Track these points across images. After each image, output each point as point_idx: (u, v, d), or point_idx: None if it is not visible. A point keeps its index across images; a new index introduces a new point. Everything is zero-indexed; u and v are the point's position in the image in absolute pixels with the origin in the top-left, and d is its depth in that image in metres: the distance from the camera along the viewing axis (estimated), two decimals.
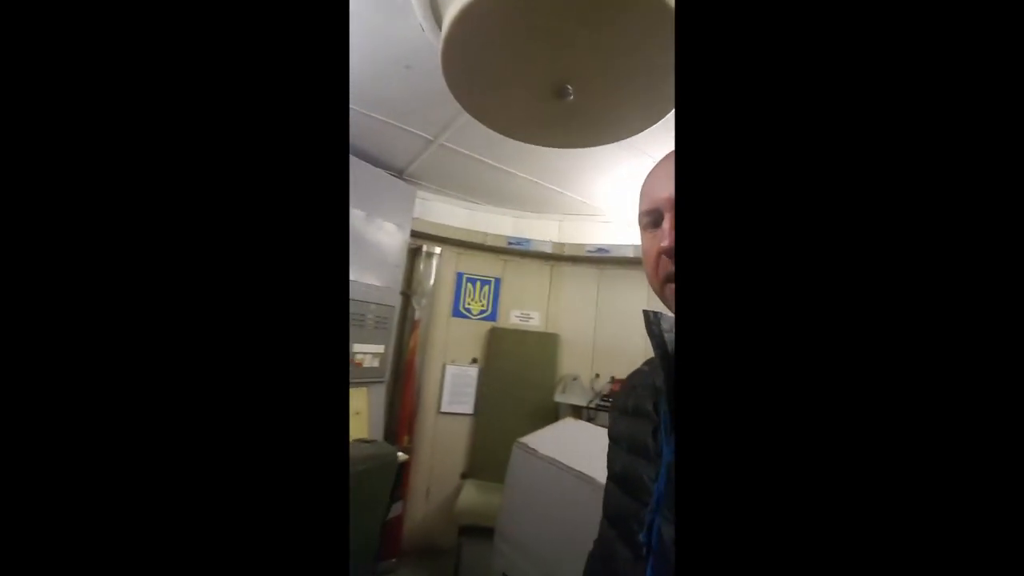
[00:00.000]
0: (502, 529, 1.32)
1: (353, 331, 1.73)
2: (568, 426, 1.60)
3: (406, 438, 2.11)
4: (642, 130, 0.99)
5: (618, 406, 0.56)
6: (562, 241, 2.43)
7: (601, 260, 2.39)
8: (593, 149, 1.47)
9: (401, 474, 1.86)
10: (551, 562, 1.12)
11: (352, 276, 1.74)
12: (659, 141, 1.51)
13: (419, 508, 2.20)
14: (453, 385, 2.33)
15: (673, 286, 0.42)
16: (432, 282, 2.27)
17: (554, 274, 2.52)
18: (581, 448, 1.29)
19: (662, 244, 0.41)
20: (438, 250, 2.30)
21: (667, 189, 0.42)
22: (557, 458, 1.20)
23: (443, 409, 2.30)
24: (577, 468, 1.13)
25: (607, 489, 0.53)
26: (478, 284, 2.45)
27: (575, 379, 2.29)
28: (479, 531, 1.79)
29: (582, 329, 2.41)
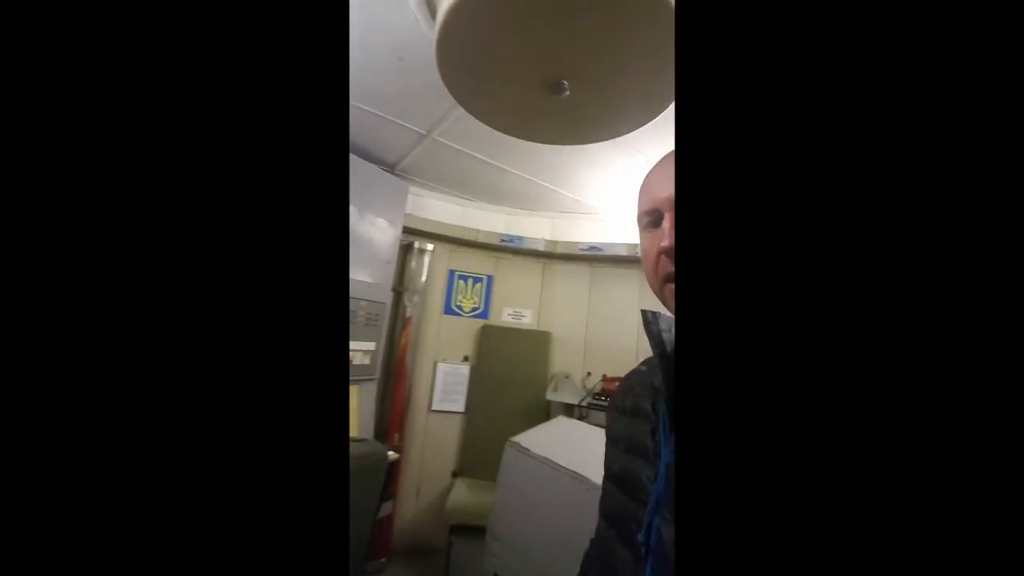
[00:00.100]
0: (494, 529, 1.32)
1: None
2: (561, 425, 1.60)
3: (396, 436, 2.09)
4: (638, 127, 0.98)
5: (616, 406, 0.55)
6: (555, 239, 2.42)
7: (594, 258, 2.39)
8: (586, 147, 1.47)
9: (391, 473, 1.84)
10: (544, 562, 1.12)
11: None
12: (653, 140, 1.51)
13: (409, 507, 2.18)
14: (444, 383, 2.31)
15: (672, 286, 0.42)
16: (424, 279, 2.25)
17: (546, 272, 2.52)
18: (574, 447, 1.28)
19: (662, 244, 0.41)
20: (430, 247, 2.28)
21: (667, 189, 0.42)
22: (550, 457, 1.19)
23: (434, 407, 2.28)
24: (570, 468, 1.13)
25: (605, 489, 0.53)
26: (470, 281, 2.43)
27: (567, 377, 2.29)
28: (470, 530, 1.78)
29: (574, 327, 2.41)
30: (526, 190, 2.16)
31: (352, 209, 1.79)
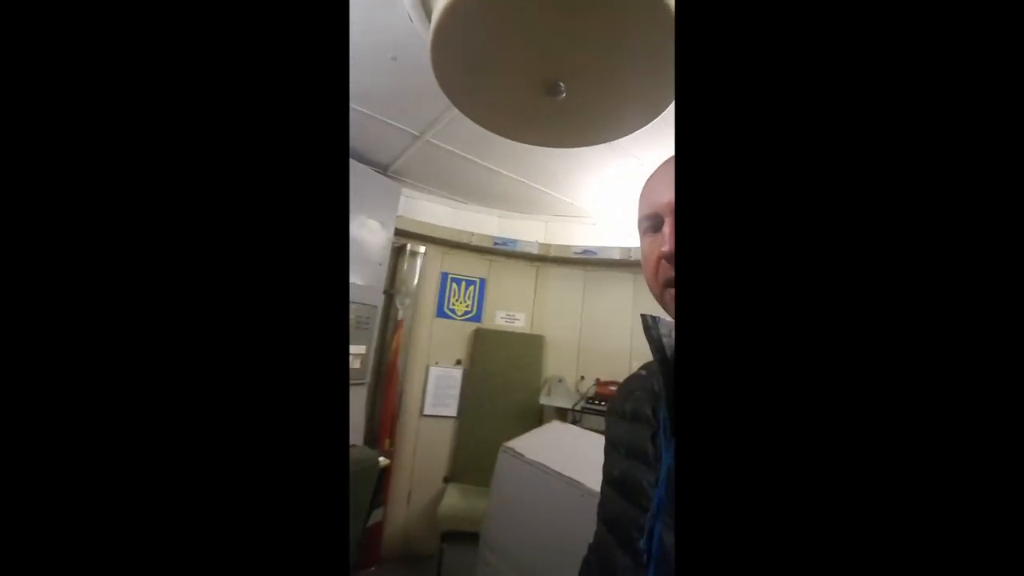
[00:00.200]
0: (487, 536, 1.30)
1: None
2: (555, 430, 1.58)
3: (387, 441, 2.06)
4: (635, 130, 0.98)
5: (616, 410, 0.55)
6: (548, 242, 2.42)
7: (587, 262, 2.38)
8: (581, 150, 1.46)
9: (382, 480, 1.81)
10: (538, 570, 1.10)
11: None
12: (647, 143, 1.52)
13: (400, 513, 2.15)
14: (436, 387, 2.28)
15: (672, 291, 0.42)
16: (416, 282, 2.23)
17: (540, 275, 2.51)
18: (569, 452, 1.27)
19: (662, 249, 0.41)
20: (422, 249, 2.26)
21: (667, 194, 0.42)
22: (544, 463, 1.18)
23: (426, 412, 2.25)
24: (566, 473, 1.11)
25: (604, 494, 0.52)
26: (463, 284, 2.42)
27: (560, 381, 2.28)
28: (462, 537, 1.76)
29: (567, 331, 2.40)
30: (519, 193, 2.15)
31: None
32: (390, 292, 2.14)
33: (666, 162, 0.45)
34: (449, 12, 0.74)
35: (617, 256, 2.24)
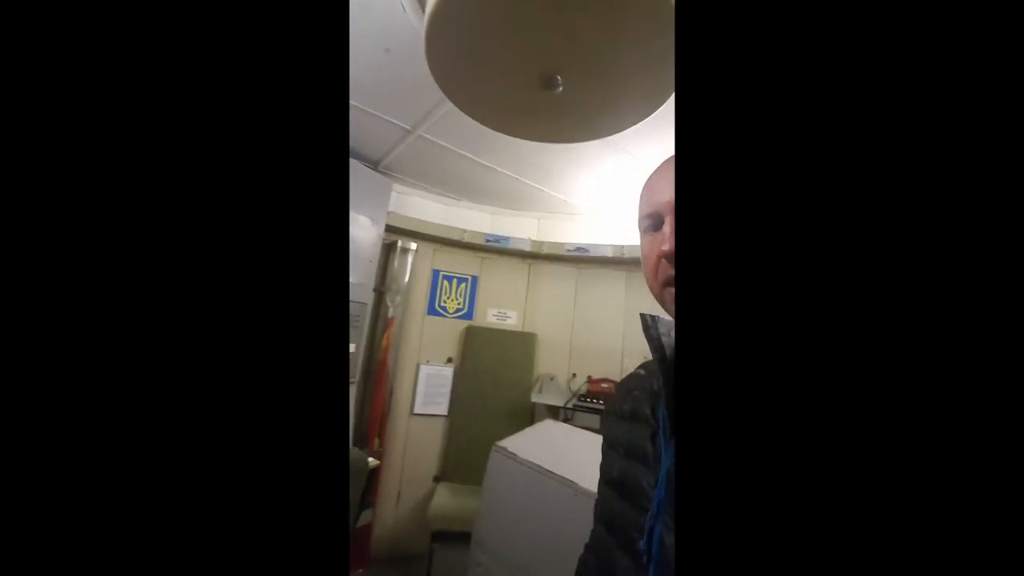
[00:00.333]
0: (479, 537, 1.28)
1: None
2: (547, 428, 1.57)
3: (376, 441, 2.03)
4: (634, 124, 0.97)
5: (614, 410, 0.56)
6: (541, 239, 2.41)
7: (580, 259, 2.38)
8: (574, 145, 1.45)
9: (371, 481, 1.78)
10: (531, 570, 1.09)
11: None
12: (641, 139, 1.51)
13: (389, 513, 2.13)
14: (427, 386, 2.26)
15: (672, 290, 0.42)
16: (407, 279, 2.20)
17: (532, 273, 2.50)
18: (562, 451, 1.27)
19: (662, 248, 0.41)
20: (414, 246, 2.23)
21: (667, 193, 0.42)
22: (537, 462, 1.17)
23: (416, 411, 2.23)
24: (559, 472, 1.10)
25: (602, 493, 0.53)
26: (454, 281, 2.39)
27: (552, 379, 2.28)
28: (452, 536, 1.75)
29: (560, 329, 2.40)
30: (512, 189, 2.14)
31: None
32: (380, 289, 2.11)
33: (666, 161, 0.45)
34: (444, 2, 0.72)
35: (610, 254, 2.24)
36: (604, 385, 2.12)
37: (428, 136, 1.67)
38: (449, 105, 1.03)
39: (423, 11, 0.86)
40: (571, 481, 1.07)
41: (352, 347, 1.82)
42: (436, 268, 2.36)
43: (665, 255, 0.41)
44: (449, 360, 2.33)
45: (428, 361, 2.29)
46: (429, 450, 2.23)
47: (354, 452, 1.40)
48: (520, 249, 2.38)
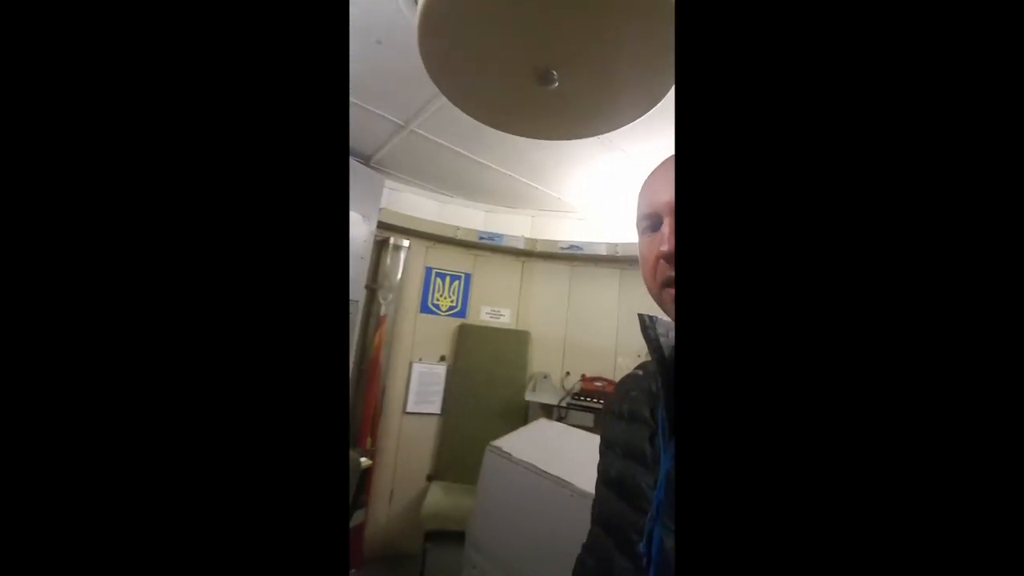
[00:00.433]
0: (473, 537, 1.27)
1: None
2: (541, 428, 1.57)
3: (369, 440, 2.01)
4: (631, 120, 0.96)
5: (612, 411, 0.56)
6: (534, 237, 2.40)
7: (573, 257, 2.37)
8: (568, 143, 1.44)
9: (364, 481, 1.77)
10: (525, 571, 1.09)
11: None
12: (636, 137, 1.50)
13: (382, 512, 2.11)
14: (420, 384, 2.25)
15: (671, 290, 0.42)
16: (399, 276, 2.18)
17: (526, 270, 2.49)
18: (556, 451, 1.26)
19: (661, 248, 0.41)
20: (406, 243, 2.21)
21: (666, 193, 0.42)
22: (532, 462, 1.16)
23: (409, 409, 2.21)
24: (553, 472, 1.10)
25: (600, 494, 0.53)
26: (447, 279, 2.38)
27: (546, 377, 2.28)
28: (446, 536, 1.74)
29: (553, 327, 2.39)
30: (506, 186, 2.12)
31: None
32: (372, 287, 2.09)
33: (665, 161, 0.45)
34: None
35: (604, 252, 2.24)
36: (598, 383, 2.12)
37: (421, 131, 1.65)
38: (442, 100, 1.01)
39: (416, 2, 0.83)
40: (566, 481, 1.06)
41: None
42: (429, 265, 2.34)
43: (664, 256, 0.41)
44: (442, 358, 2.31)
45: (421, 359, 2.27)
46: (422, 449, 2.22)
47: None
48: (514, 247, 2.37)
